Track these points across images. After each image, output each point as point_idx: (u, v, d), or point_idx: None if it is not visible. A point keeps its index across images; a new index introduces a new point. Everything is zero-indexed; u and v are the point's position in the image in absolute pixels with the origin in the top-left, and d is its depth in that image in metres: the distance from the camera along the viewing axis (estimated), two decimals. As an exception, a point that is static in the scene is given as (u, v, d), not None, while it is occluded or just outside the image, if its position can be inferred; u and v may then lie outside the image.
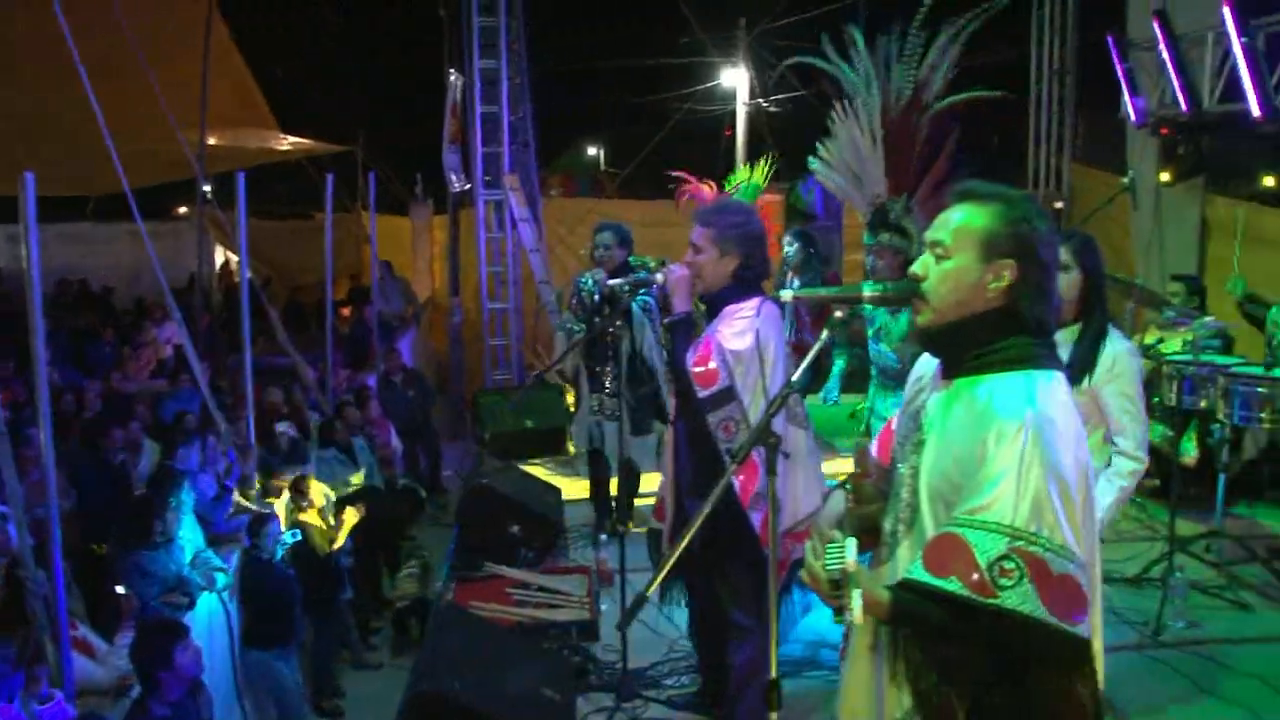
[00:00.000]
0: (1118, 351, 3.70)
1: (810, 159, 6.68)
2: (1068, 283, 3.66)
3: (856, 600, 1.99)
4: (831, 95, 6.27)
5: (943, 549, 1.99)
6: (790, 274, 7.41)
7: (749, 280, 3.81)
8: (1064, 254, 3.66)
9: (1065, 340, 3.69)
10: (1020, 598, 1.91)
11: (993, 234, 2.09)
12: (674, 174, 7.94)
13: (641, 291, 5.09)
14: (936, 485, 2.09)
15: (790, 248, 7.25)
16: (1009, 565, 1.91)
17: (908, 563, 2.10)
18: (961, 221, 2.13)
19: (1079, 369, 3.67)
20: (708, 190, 7.54)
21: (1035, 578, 1.91)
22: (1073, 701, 2.03)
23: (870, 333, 5.50)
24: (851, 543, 2.07)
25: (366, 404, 8.19)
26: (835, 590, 2.03)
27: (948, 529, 2.01)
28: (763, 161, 8.38)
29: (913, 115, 6.01)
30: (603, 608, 5.38)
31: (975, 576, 1.93)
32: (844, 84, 6.35)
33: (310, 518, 5.89)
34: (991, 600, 1.92)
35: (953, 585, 1.95)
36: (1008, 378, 2.06)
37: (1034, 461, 1.94)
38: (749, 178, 8.44)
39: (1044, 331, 2.12)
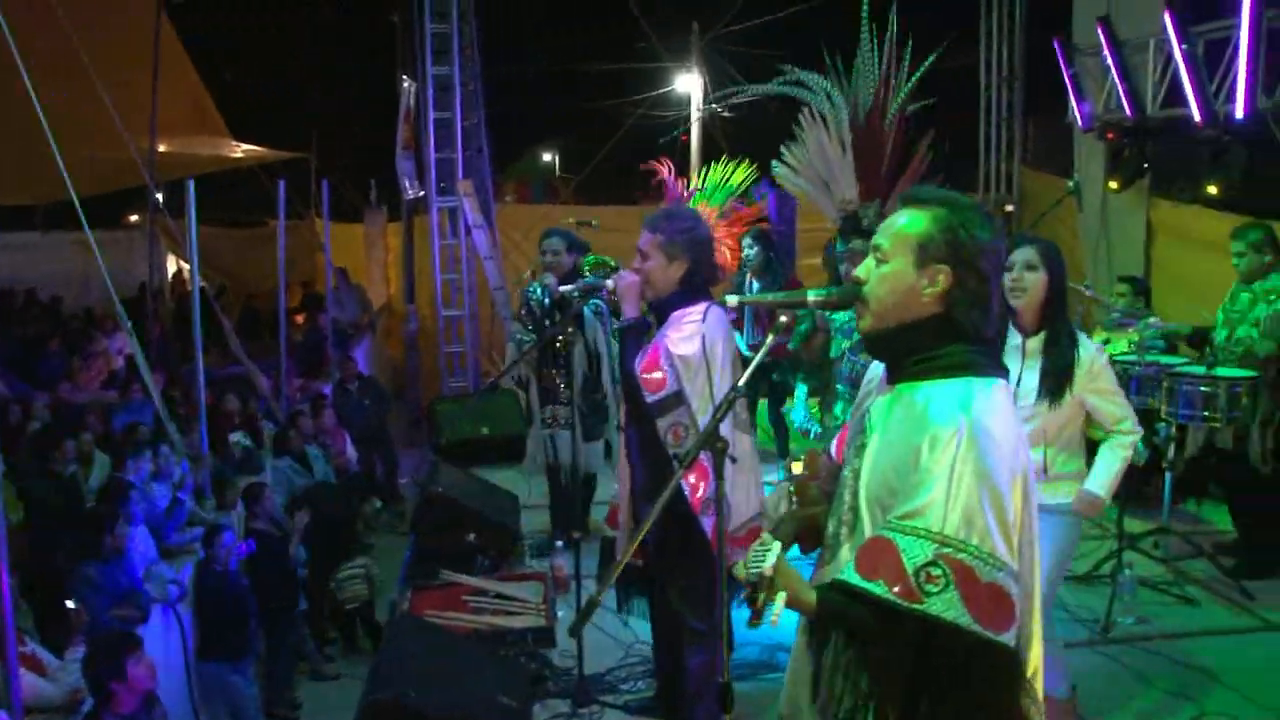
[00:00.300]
0: (1090, 355, 3.81)
1: (774, 164, 6.71)
2: (1035, 283, 3.74)
3: (776, 605, 2.00)
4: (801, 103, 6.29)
5: (873, 552, 2.01)
6: (750, 277, 7.42)
7: (697, 286, 3.84)
8: (1032, 255, 3.74)
9: (1035, 349, 3.77)
10: (945, 604, 1.91)
11: (928, 239, 2.10)
12: (646, 166, 7.93)
13: (592, 296, 5.10)
14: (875, 489, 2.10)
15: (750, 250, 7.29)
16: (935, 572, 1.92)
17: None
18: (900, 226, 2.14)
19: (1059, 379, 3.75)
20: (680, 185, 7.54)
21: (961, 585, 1.91)
22: (1012, 716, 2.05)
23: (847, 345, 5.55)
24: (776, 546, 2.07)
25: (321, 412, 8.12)
26: (753, 593, 2.04)
27: (880, 532, 2.02)
28: (737, 165, 8.30)
29: (879, 122, 6.04)
30: (559, 614, 5.38)
31: (901, 581, 1.94)
32: (814, 103, 6.36)
33: (265, 526, 5.84)
34: (916, 606, 1.93)
35: (879, 589, 1.96)
36: (946, 384, 2.06)
37: (966, 469, 1.94)
38: (720, 180, 8.37)
39: (982, 339, 2.11)
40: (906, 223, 2.13)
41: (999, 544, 1.94)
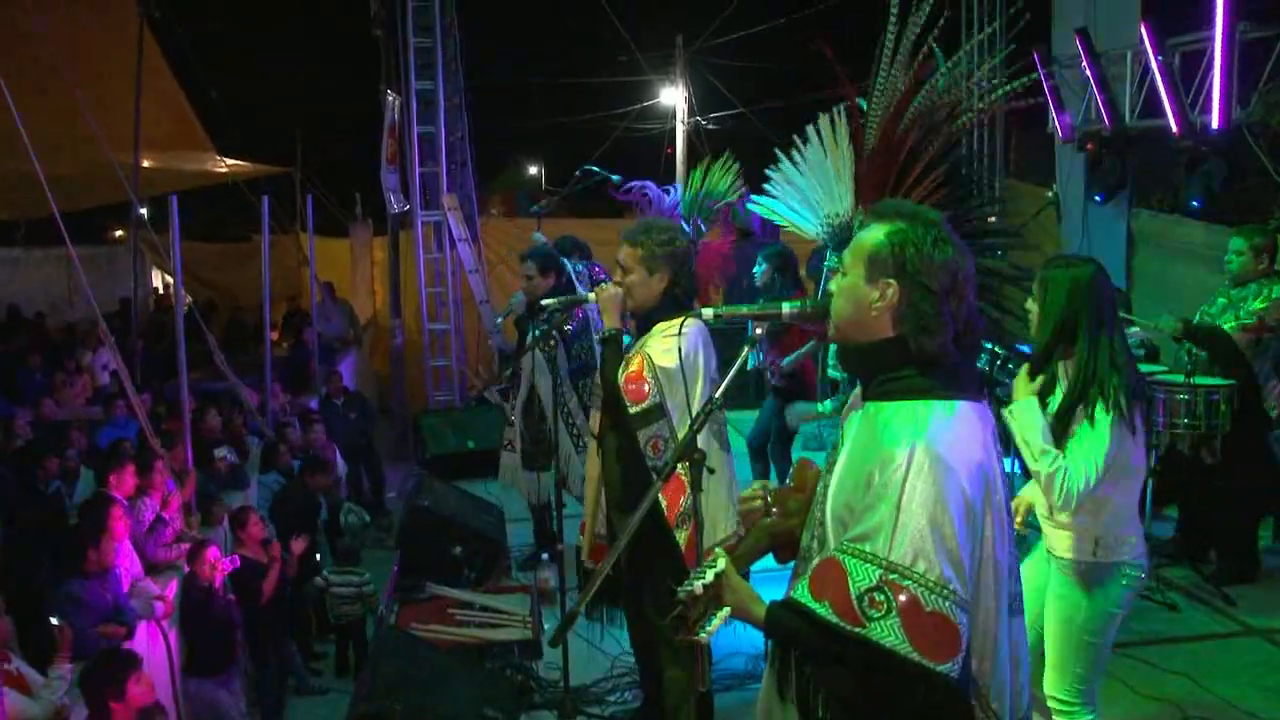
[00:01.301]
0: None
1: (755, 198, 6.63)
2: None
3: (715, 621, 2.02)
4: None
5: (823, 572, 2.01)
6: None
7: (677, 297, 3.87)
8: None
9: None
10: (885, 630, 1.91)
11: (878, 253, 2.09)
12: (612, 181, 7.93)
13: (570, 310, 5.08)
14: (837, 506, 2.10)
15: (759, 268, 7.26)
16: (879, 597, 1.92)
17: None
18: (859, 239, 2.15)
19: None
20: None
21: (903, 612, 1.90)
22: None
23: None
24: (722, 563, 2.08)
25: (311, 427, 8.13)
26: (685, 610, 2.05)
27: (832, 553, 2.03)
28: (722, 163, 8.24)
29: (904, 133, 5.95)
30: (545, 626, 5.39)
31: (845, 604, 1.94)
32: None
33: (252, 552, 5.82)
34: (857, 629, 1.93)
35: (823, 610, 1.97)
36: (905, 406, 2.04)
37: (915, 495, 1.93)
38: (703, 183, 8.36)
39: (934, 364, 2.06)
40: (864, 235, 2.14)
41: (947, 571, 1.92)
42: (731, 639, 5.00)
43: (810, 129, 5.56)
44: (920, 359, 2.06)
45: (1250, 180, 7.59)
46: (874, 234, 2.12)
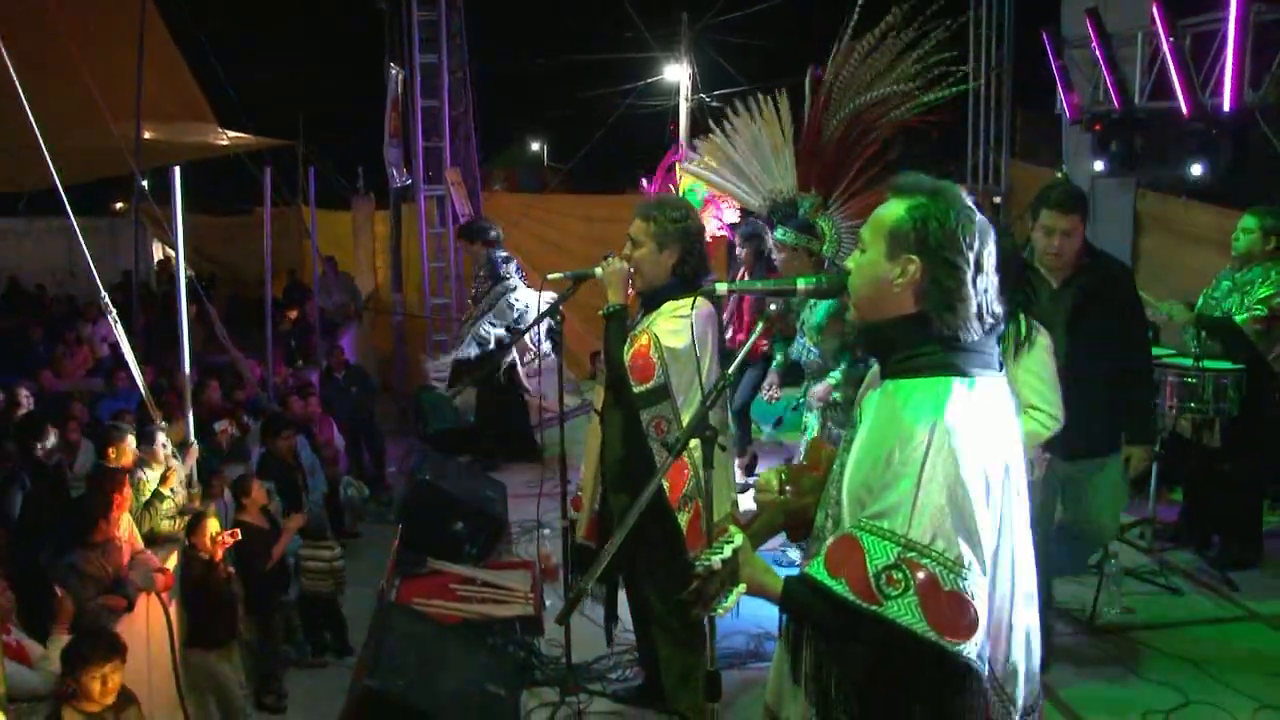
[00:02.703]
0: (1031, 334, 3.86)
1: (681, 163, 6.57)
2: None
3: (731, 597, 2.02)
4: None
5: (841, 549, 1.99)
6: (743, 272, 7.33)
7: (688, 276, 3.82)
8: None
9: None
10: (902, 609, 1.89)
11: (899, 228, 2.05)
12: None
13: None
14: (855, 485, 2.08)
15: (740, 251, 7.22)
16: (897, 575, 1.90)
17: None
18: (879, 215, 2.11)
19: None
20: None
21: (921, 591, 1.89)
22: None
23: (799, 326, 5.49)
24: (739, 539, 2.07)
25: (308, 399, 8.11)
26: (701, 584, 2.03)
27: (850, 530, 2.01)
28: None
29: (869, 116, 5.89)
30: (547, 602, 5.39)
31: (862, 582, 1.92)
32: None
33: (253, 518, 5.81)
34: (874, 607, 1.91)
35: (840, 586, 1.95)
36: (925, 383, 2.01)
37: (935, 473, 1.91)
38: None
39: (957, 343, 2.03)
40: (884, 211, 2.11)
41: (964, 551, 1.90)
42: (733, 618, 5.03)
43: (739, 105, 5.51)
44: (943, 336, 2.03)
45: (1259, 163, 7.54)
46: (894, 209, 2.08)
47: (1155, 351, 6.08)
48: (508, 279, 8.12)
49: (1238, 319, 5.61)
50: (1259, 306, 5.57)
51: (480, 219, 9.45)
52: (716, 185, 5.73)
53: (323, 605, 6.15)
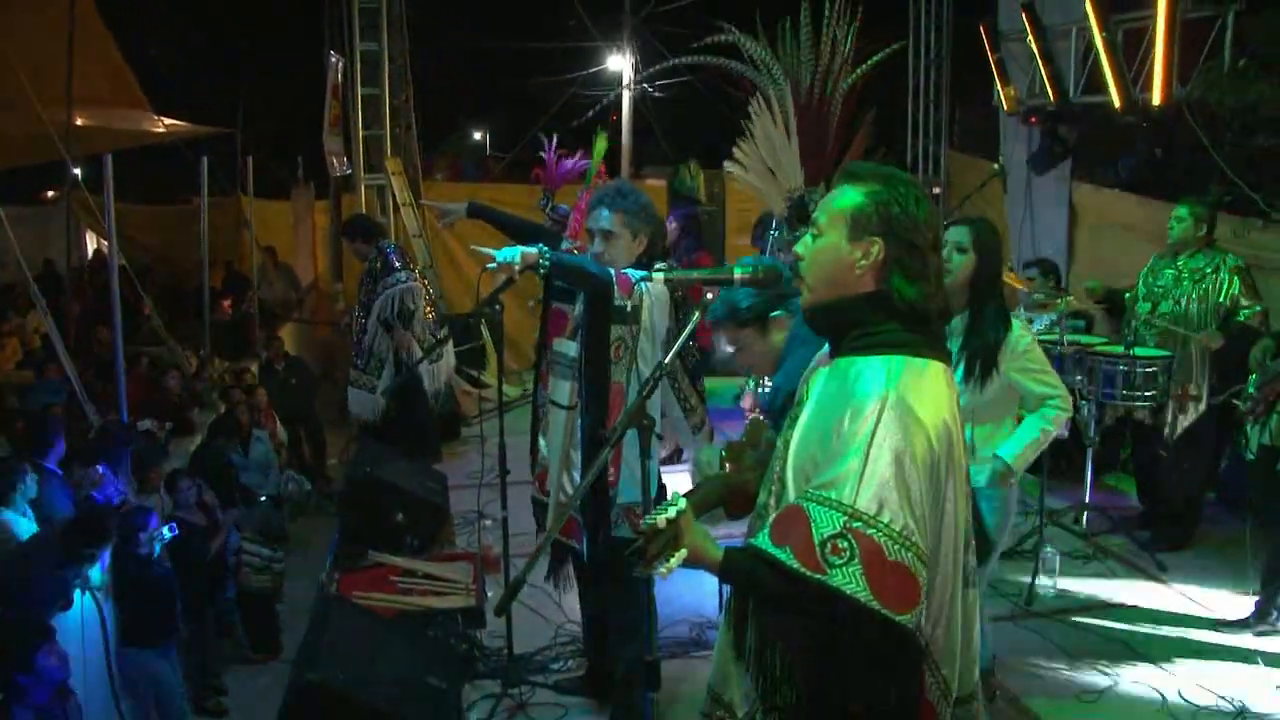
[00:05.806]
0: (1015, 335, 3.85)
1: (726, 164, 6.66)
2: (961, 265, 3.75)
3: (674, 560, 2.01)
4: (744, 90, 6.22)
5: (786, 519, 2.00)
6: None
7: (644, 263, 3.85)
8: (964, 236, 3.77)
9: (958, 329, 3.77)
10: (846, 577, 1.89)
11: (861, 212, 2.10)
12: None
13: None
14: (800, 459, 2.09)
15: (674, 236, 7.28)
16: (842, 545, 1.90)
17: None
18: (835, 201, 2.15)
19: (980, 360, 3.78)
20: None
21: (865, 560, 1.89)
22: (910, 690, 2.06)
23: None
24: (682, 503, 2.07)
25: (254, 392, 8.00)
26: (646, 542, 2.04)
27: (796, 500, 2.02)
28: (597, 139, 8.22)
29: (824, 101, 5.98)
30: (489, 594, 5.37)
31: (808, 550, 1.92)
32: (755, 79, 6.31)
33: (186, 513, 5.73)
34: (818, 576, 1.91)
35: (784, 555, 1.94)
36: (878, 359, 2.05)
37: (884, 445, 1.93)
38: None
39: (918, 319, 2.09)
40: (841, 197, 2.14)
41: (910, 523, 1.92)
42: (677, 606, 5.05)
43: (754, 101, 5.56)
44: (901, 314, 2.08)
45: (1185, 156, 7.70)
46: (851, 195, 2.13)
47: (1087, 340, 6.25)
48: (397, 270, 7.55)
49: (1240, 317, 5.74)
50: (1221, 296, 5.75)
51: (360, 214, 9.08)
52: (758, 190, 5.78)
53: (259, 603, 6.08)
